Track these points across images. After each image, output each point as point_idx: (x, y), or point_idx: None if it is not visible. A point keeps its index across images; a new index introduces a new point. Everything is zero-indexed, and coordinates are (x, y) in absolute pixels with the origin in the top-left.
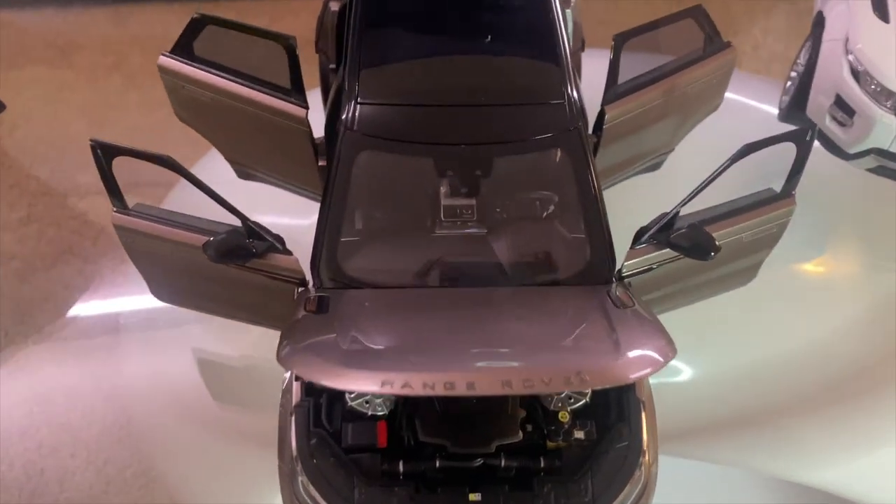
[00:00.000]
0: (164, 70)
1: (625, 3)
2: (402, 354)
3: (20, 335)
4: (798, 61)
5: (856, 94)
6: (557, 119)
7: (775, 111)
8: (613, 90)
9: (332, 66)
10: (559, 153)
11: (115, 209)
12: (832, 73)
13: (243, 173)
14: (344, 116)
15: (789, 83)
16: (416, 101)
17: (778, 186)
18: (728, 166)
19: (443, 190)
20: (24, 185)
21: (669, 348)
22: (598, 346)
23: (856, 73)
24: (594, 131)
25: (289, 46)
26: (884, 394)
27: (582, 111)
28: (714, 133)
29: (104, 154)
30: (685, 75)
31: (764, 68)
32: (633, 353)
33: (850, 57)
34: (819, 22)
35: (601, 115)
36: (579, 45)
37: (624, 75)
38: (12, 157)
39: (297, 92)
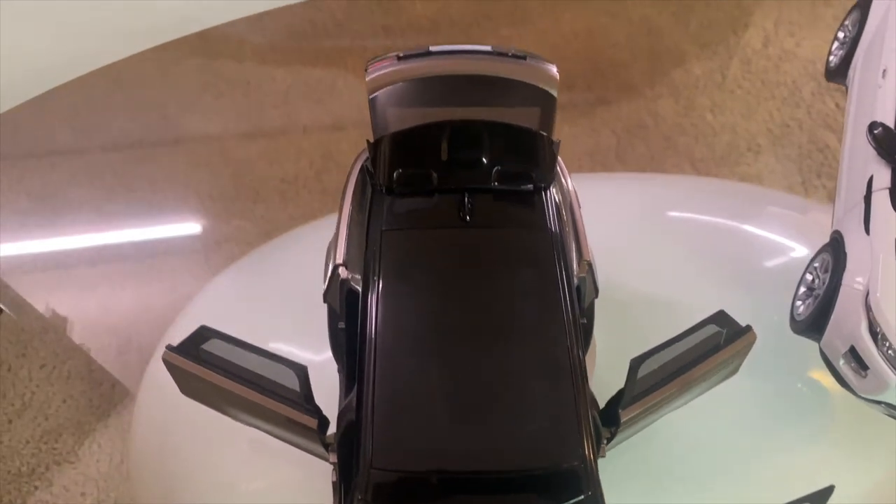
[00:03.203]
0: (168, 364)
1: None
2: None
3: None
4: (815, 265)
5: (872, 353)
6: (571, 487)
7: (805, 253)
8: (629, 397)
9: (342, 324)
10: None
11: None
12: (850, 322)
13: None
14: (357, 482)
15: (803, 288)
16: (432, 466)
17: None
18: None
19: None
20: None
21: None
22: None
23: (874, 333)
24: (607, 425)
25: (301, 374)
26: None
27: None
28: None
29: None
30: (703, 367)
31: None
32: None
33: (870, 314)
34: (837, 239)
35: (616, 417)
36: (594, 297)
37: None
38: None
39: (309, 406)
